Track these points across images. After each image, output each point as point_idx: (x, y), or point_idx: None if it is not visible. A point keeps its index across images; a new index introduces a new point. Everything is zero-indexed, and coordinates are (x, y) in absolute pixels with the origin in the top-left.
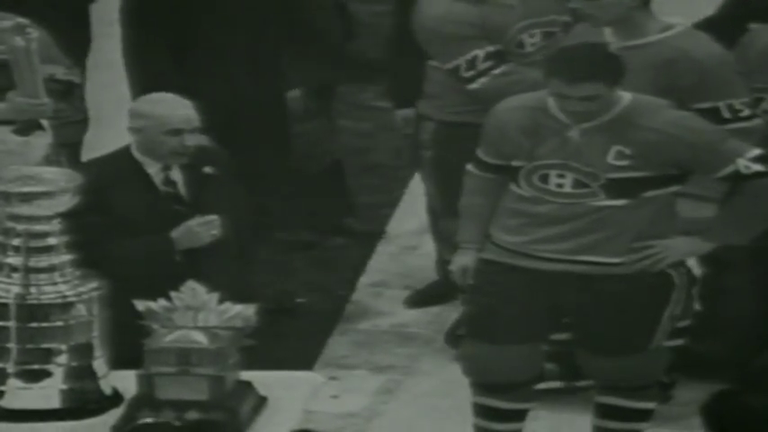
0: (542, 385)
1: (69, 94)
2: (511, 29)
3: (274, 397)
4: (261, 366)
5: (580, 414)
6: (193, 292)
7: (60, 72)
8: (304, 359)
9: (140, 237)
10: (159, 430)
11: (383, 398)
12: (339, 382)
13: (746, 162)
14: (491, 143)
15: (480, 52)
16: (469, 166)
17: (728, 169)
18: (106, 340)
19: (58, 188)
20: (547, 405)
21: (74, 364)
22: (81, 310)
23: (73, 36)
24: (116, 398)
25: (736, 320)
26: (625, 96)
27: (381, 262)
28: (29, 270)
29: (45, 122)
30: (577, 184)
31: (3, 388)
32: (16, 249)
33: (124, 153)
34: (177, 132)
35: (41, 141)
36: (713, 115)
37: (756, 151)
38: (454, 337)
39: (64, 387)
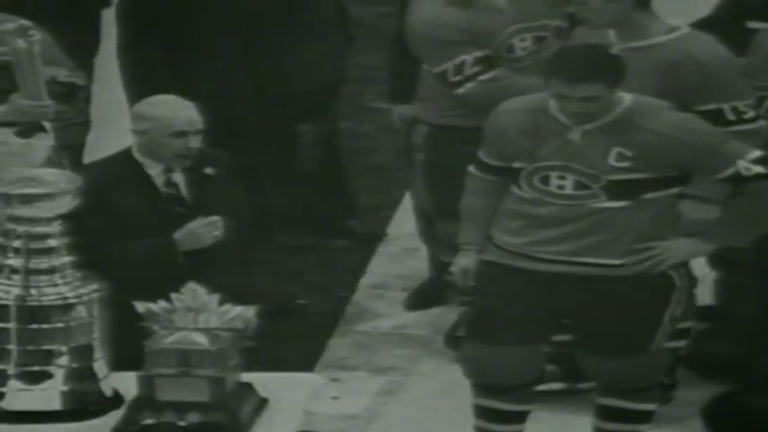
0: (544, 387)
1: (71, 96)
2: (501, 33)
3: (275, 398)
4: (261, 368)
5: (581, 415)
6: (194, 293)
7: (63, 74)
8: (304, 361)
9: (142, 239)
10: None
11: (384, 399)
12: (340, 384)
13: (747, 164)
14: (492, 145)
15: (468, 57)
16: (471, 168)
17: (729, 171)
18: (107, 342)
19: (59, 190)
20: (547, 406)
21: (74, 365)
22: (81, 311)
23: (82, 38)
24: (117, 399)
25: (750, 322)
26: (626, 98)
27: (382, 264)
28: (29, 272)
29: (47, 124)
30: (578, 185)
31: (3, 389)
32: (17, 251)
33: (125, 155)
34: (181, 135)
35: (43, 143)
36: (717, 117)
37: (757, 153)
38: (453, 339)
39: (64, 389)
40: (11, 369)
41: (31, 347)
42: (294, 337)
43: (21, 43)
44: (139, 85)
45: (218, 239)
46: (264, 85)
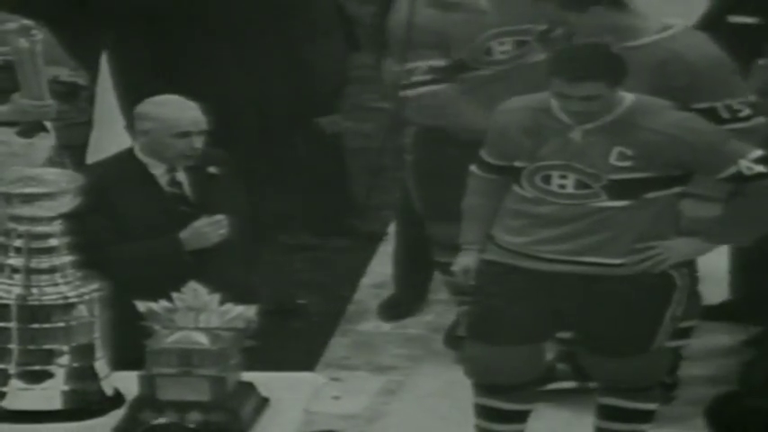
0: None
1: (73, 95)
2: (479, 36)
3: (276, 398)
4: (262, 367)
5: (582, 415)
6: (195, 293)
7: (65, 74)
8: (305, 360)
9: (147, 238)
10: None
11: (384, 399)
12: (340, 383)
13: (748, 163)
14: (494, 144)
15: (423, 64)
16: (473, 167)
17: (730, 170)
18: (108, 341)
19: (60, 189)
20: (549, 406)
21: (75, 364)
22: (82, 310)
23: (88, 38)
24: (118, 399)
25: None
26: (627, 97)
27: (382, 263)
28: (30, 271)
29: (48, 124)
30: (579, 184)
31: (4, 389)
32: (18, 250)
33: (128, 155)
34: (185, 135)
35: (45, 143)
36: (711, 115)
37: (758, 152)
38: (452, 339)
39: (65, 388)
40: (12, 368)
41: (32, 347)
42: (295, 337)
43: (23, 43)
44: (132, 93)
45: (223, 238)
46: (264, 86)
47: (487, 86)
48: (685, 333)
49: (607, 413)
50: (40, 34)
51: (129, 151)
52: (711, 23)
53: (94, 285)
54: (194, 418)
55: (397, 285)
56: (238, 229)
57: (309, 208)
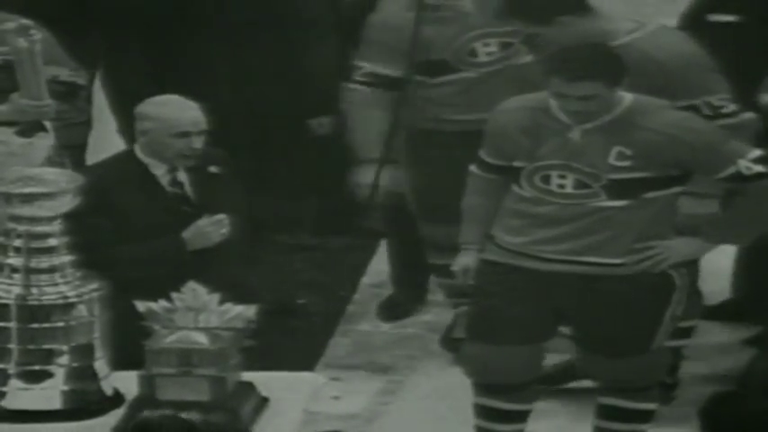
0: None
1: (73, 95)
2: (462, 37)
3: (275, 398)
4: (262, 367)
5: (582, 415)
6: (194, 292)
7: (64, 74)
8: (305, 360)
9: (149, 238)
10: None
11: (384, 399)
12: (340, 383)
13: (748, 163)
14: (492, 144)
15: (369, 67)
16: (472, 167)
17: (729, 170)
18: (107, 341)
19: (59, 189)
20: (548, 406)
21: (75, 364)
22: (82, 310)
23: (87, 38)
24: (117, 399)
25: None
26: (626, 97)
27: (382, 263)
28: (30, 271)
29: (48, 124)
30: (579, 184)
31: (4, 389)
32: (17, 250)
33: (129, 155)
34: (184, 135)
35: (44, 143)
36: (692, 113)
37: (757, 152)
38: (450, 341)
39: (65, 388)
40: (11, 368)
41: (31, 347)
42: (295, 337)
43: (22, 42)
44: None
45: (224, 238)
46: (262, 87)
47: (474, 88)
48: (686, 333)
49: (607, 413)
50: (38, 34)
51: (131, 151)
52: (691, 22)
53: (94, 285)
54: (193, 417)
55: (396, 286)
56: (239, 229)
57: (310, 208)
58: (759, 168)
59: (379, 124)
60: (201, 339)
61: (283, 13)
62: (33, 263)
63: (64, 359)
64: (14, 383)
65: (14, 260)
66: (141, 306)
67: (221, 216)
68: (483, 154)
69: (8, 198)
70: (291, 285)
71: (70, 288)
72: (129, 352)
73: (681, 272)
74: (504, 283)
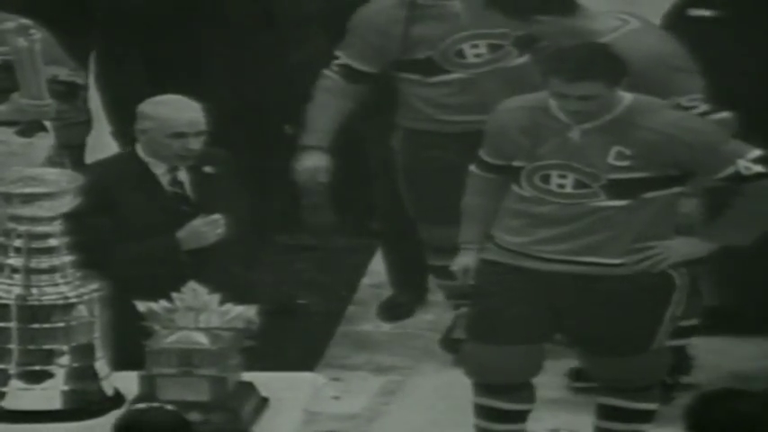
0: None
1: (73, 95)
2: (447, 39)
3: (276, 398)
4: (262, 367)
5: (582, 415)
6: (195, 293)
7: (64, 73)
8: (305, 360)
9: (148, 238)
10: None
11: (385, 399)
12: (341, 383)
13: (747, 163)
14: (492, 143)
15: (347, 59)
16: (472, 167)
17: (729, 170)
18: (108, 341)
19: (60, 189)
20: (548, 406)
21: (75, 365)
22: (82, 310)
23: (86, 38)
24: (118, 399)
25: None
26: (626, 97)
27: (382, 263)
28: (30, 271)
29: (48, 124)
30: (578, 184)
31: (4, 389)
32: (17, 250)
33: (130, 154)
34: (180, 136)
35: (44, 143)
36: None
37: (757, 152)
38: (449, 342)
39: (65, 388)
40: (12, 368)
41: (32, 347)
42: (295, 337)
43: (22, 42)
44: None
45: (221, 238)
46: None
47: (468, 89)
48: (686, 332)
49: (607, 413)
50: (38, 34)
51: (131, 151)
52: (674, 19)
53: (94, 285)
54: (194, 417)
55: (395, 287)
56: (239, 229)
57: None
58: (758, 168)
59: (335, 114)
60: (202, 339)
61: (280, 12)
62: (34, 263)
63: (64, 359)
64: (15, 384)
65: (15, 260)
66: (141, 306)
67: (216, 216)
68: (483, 154)
69: (8, 198)
70: (291, 285)
71: (70, 288)
72: (129, 352)
73: (681, 272)
74: (503, 282)
